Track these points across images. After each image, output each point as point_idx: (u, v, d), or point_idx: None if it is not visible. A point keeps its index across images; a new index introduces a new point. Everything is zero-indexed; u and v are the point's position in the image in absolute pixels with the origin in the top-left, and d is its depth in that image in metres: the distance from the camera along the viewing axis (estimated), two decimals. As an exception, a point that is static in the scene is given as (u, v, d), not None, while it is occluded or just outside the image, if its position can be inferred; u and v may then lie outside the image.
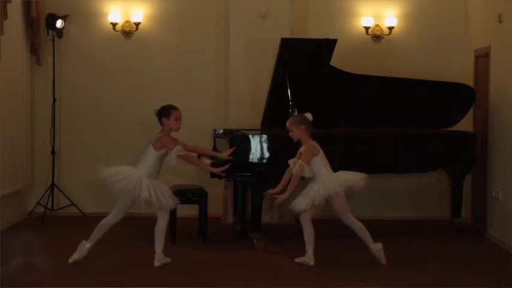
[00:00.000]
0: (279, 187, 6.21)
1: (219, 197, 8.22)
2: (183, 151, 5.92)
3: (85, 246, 5.92)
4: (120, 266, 6.00)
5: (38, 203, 8.25)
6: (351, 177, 6.03)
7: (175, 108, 6.04)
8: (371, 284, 5.61)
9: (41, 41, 8.33)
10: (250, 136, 6.88)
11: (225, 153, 6.55)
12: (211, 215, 7.24)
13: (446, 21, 8.66)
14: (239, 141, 6.90)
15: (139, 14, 8.51)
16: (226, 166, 6.29)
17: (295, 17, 8.31)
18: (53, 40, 8.30)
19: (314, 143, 6.11)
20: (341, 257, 6.35)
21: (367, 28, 8.59)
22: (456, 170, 7.52)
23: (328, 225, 6.96)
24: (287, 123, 6.16)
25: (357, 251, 6.25)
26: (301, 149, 6.12)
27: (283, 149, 6.88)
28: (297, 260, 6.20)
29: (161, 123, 6.01)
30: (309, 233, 6.16)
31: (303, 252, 6.18)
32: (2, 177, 7.28)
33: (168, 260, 6.04)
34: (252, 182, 6.84)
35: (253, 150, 6.80)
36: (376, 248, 6.10)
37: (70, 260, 5.90)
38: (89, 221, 7.78)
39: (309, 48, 7.29)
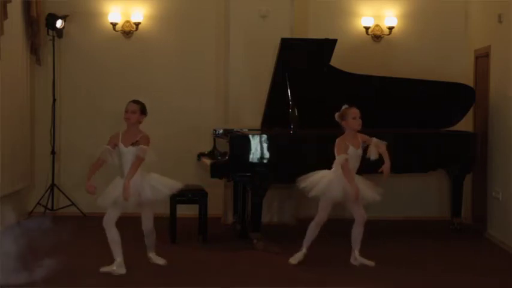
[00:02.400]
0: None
1: (219, 197, 8.21)
2: (99, 154, 5.75)
3: (118, 263, 5.79)
4: (120, 266, 6.00)
5: (38, 203, 8.26)
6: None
7: (129, 101, 5.93)
8: (371, 284, 5.61)
9: (41, 41, 8.33)
10: (250, 136, 6.88)
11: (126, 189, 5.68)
12: (211, 215, 7.24)
13: (446, 21, 8.66)
14: (239, 141, 6.91)
15: (139, 14, 8.51)
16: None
17: (295, 17, 8.31)
18: (53, 40, 8.30)
19: None
20: (341, 257, 6.34)
21: (367, 28, 8.59)
22: (456, 170, 7.52)
23: (328, 226, 6.95)
24: (359, 113, 6.01)
25: (356, 251, 6.25)
26: (360, 137, 6.04)
27: (283, 148, 6.90)
28: (292, 261, 6.19)
29: None
30: (312, 234, 6.17)
31: (303, 253, 6.23)
32: (2, 177, 7.27)
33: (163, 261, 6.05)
34: (252, 182, 6.84)
35: (253, 150, 6.80)
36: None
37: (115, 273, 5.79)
38: (89, 221, 7.82)
39: (309, 48, 7.29)
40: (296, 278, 5.79)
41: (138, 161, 5.69)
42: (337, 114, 6.05)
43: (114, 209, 5.75)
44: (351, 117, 5.99)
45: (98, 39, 8.56)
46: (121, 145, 5.76)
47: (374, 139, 6.00)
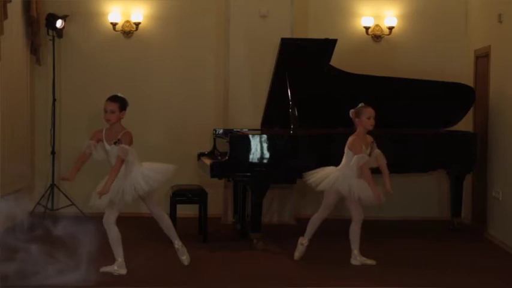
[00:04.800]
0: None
1: (219, 197, 8.22)
2: (84, 147, 5.70)
3: (119, 263, 5.76)
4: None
5: (38, 203, 8.25)
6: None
7: (106, 100, 5.81)
8: (370, 284, 5.61)
9: (41, 41, 8.32)
10: (250, 136, 6.89)
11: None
12: (211, 215, 7.25)
13: (446, 21, 8.66)
14: (239, 141, 6.91)
15: (139, 14, 8.51)
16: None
17: (295, 17, 8.31)
18: (53, 40, 8.30)
19: None
20: (340, 257, 6.34)
21: (367, 28, 8.59)
22: (456, 170, 7.52)
23: (328, 226, 6.95)
24: (374, 113, 6.01)
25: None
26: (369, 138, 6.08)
27: (283, 148, 6.89)
28: (296, 256, 6.24)
29: None
30: (314, 225, 6.21)
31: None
32: (2, 177, 7.26)
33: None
34: (252, 182, 6.84)
35: (253, 150, 6.80)
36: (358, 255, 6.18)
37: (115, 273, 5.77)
38: (89, 221, 7.81)
39: (309, 48, 7.29)
40: (296, 278, 5.79)
41: (119, 162, 5.56)
42: (352, 111, 6.06)
43: (112, 208, 5.72)
44: (366, 116, 5.99)
45: (98, 39, 8.56)
46: (105, 143, 5.67)
47: (377, 151, 6.02)
